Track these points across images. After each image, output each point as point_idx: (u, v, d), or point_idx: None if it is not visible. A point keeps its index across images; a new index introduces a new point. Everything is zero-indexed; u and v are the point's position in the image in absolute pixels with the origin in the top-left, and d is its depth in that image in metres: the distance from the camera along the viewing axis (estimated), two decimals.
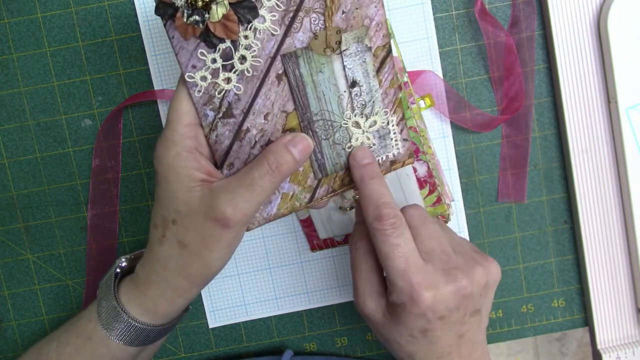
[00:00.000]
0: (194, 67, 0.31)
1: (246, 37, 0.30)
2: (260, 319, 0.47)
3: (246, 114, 0.32)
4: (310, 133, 0.33)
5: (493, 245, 0.46)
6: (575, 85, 0.44)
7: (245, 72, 0.31)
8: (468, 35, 0.44)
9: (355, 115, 0.34)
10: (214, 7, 0.29)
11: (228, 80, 0.31)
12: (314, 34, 0.31)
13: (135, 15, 0.43)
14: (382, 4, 0.31)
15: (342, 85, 0.33)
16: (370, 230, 0.32)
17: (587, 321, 0.47)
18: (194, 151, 0.31)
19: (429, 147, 0.43)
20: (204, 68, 0.31)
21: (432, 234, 0.33)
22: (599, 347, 0.46)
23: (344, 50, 0.32)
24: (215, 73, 0.31)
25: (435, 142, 0.45)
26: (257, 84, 0.32)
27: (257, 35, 0.30)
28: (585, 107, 0.44)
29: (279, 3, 0.30)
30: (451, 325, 0.32)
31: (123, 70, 0.44)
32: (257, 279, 0.47)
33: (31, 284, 0.46)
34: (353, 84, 0.33)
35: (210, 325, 0.47)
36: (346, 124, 0.34)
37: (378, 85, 0.33)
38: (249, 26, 0.30)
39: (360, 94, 0.33)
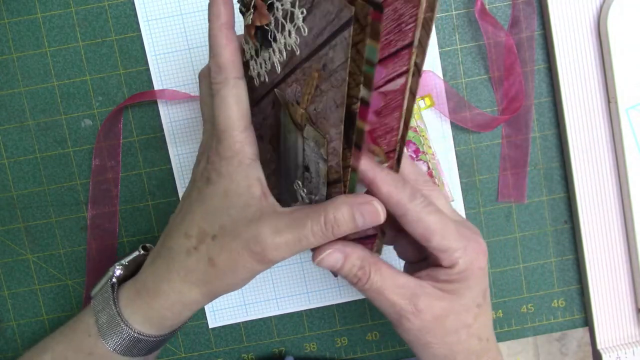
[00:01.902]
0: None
1: (266, 54, 0.30)
2: (260, 319, 0.47)
3: (255, 105, 0.33)
4: (278, 163, 0.33)
5: (493, 245, 0.46)
6: (575, 85, 0.44)
7: (259, 77, 0.31)
8: (468, 35, 0.44)
9: (304, 191, 0.31)
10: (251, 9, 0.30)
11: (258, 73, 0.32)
12: (296, 99, 0.29)
13: (135, 15, 0.43)
14: (342, 138, 0.26)
15: (300, 160, 0.30)
16: (405, 213, 0.30)
17: (587, 321, 0.47)
18: (255, 159, 0.30)
19: (429, 147, 0.43)
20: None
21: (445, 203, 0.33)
22: (599, 347, 0.46)
23: (306, 139, 0.29)
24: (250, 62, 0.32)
25: (435, 142, 0.45)
26: (263, 93, 0.32)
27: (269, 59, 0.30)
28: (585, 107, 0.44)
29: (282, 52, 0.28)
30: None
31: (123, 70, 0.44)
32: (257, 279, 0.47)
33: (31, 284, 0.46)
34: (307, 168, 0.30)
35: (210, 325, 0.47)
36: (298, 187, 0.31)
37: (325, 195, 0.29)
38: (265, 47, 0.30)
39: (311, 181, 0.30)
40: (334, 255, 0.30)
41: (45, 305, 0.47)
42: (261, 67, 0.31)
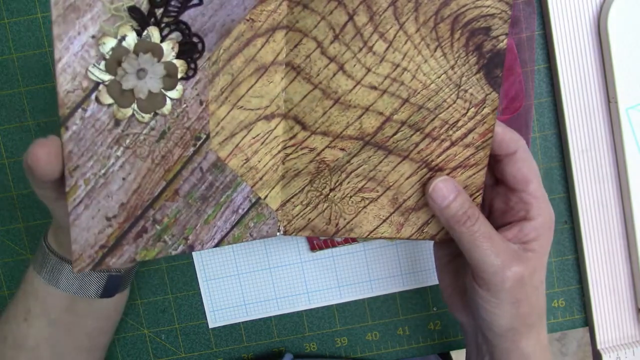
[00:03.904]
0: None
1: None
2: (260, 319, 0.47)
3: None
4: None
5: None
6: (575, 85, 0.44)
7: None
8: None
9: None
10: None
11: None
12: None
13: None
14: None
15: None
16: (516, 150, 0.32)
17: (587, 321, 0.47)
18: None
19: None
20: None
21: None
22: (599, 347, 0.46)
23: None
24: None
25: None
26: None
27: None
28: (585, 107, 0.44)
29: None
30: None
31: None
32: (257, 279, 0.47)
33: None
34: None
35: (210, 325, 0.47)
36: None
37: None
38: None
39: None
40: (449, 184, 0.31)
41: None
42: None
